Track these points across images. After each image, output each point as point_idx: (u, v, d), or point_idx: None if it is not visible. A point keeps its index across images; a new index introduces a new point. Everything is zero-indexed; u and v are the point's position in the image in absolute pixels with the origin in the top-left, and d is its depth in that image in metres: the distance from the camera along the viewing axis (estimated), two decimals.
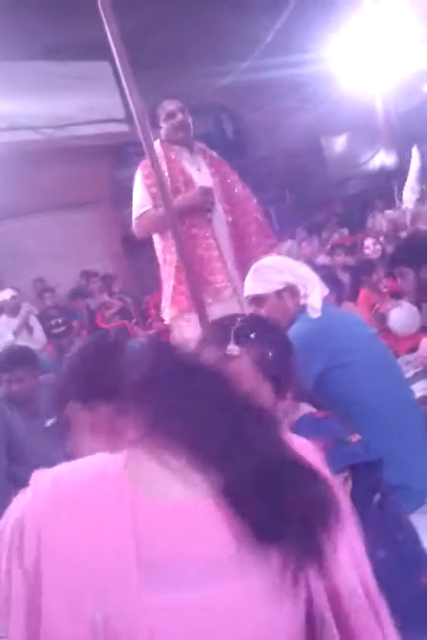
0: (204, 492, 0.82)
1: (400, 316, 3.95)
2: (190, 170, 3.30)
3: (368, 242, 5.89)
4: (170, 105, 3.31)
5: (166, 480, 0.82)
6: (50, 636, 0.75)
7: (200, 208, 3.18)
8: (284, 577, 0.80)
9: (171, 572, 0.77)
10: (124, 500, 0.79)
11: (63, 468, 0.86)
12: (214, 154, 3.54)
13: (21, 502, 0.83)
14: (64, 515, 0.78)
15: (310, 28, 8.04)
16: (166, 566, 0.77)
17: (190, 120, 3.39)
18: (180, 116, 3.28)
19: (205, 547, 0.79)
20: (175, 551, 0.78)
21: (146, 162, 3.14)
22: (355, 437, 1.40)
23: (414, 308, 3.88)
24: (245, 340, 1.45)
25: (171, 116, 3.30)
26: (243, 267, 3.09)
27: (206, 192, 3.17)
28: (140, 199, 3.28)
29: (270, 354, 1.43)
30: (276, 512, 0.80)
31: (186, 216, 3.13)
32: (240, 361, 1.42)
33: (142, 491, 0.81)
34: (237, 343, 1.44)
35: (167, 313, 3.29)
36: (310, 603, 0.84)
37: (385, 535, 1.32)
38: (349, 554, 0.88)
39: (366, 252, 5.90)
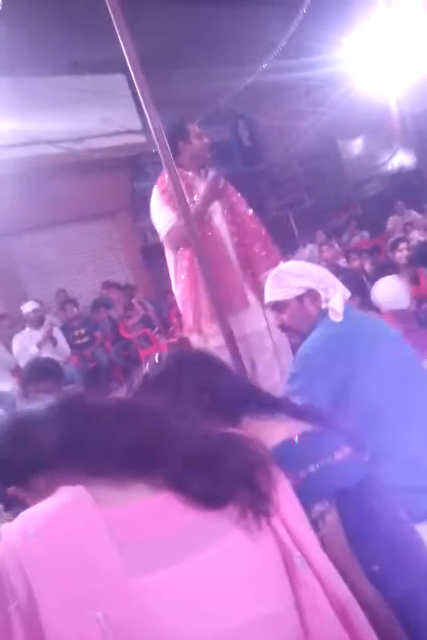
0: (151, 491, 0.92)
1: (386, 288, 3.91)
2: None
3: (402, 245, 5.81)
4: (197, 128, 3.35)
5: (117, 493, 0.91)
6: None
7: (218, 197, 3.21)
8: (248, 527, 0.92)
9: (152, 555, 0.85)
10: (92, 513, 0.85)
11: (25, 512, 0.89)
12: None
13: (3, 542, 0.85)
14: (41, 543, 0.81)
15: (323, 30, 8.04)
16: (147, 551, 0.85)
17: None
18: (206, 140, 3.33)
19: (173, 526, 0.89)
20: (150, 537, 0.87)
21: (161, 178, 3.20)
22: (341, 454, 1.27)
23: (401, 283, 3.84)
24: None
25: (200, 137, 3.33)
26: (250, 283, 3.22)
27: (216, 179, 3.21)
28: (165, 216, 3.27)
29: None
30: (212, 481, 0.93)
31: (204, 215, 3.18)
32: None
33: (103, 505, 0.87)
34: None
35: (192, 329, 3.30)
36: (280, 545, 0.95)
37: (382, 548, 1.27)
38: (290, 505, 1.01)
39: (398, 255, 5.81)
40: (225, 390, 1.37)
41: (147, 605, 0.80)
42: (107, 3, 2.50)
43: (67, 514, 0.85)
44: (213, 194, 3.19)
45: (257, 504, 0.94)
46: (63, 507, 0.86)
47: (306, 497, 1.11)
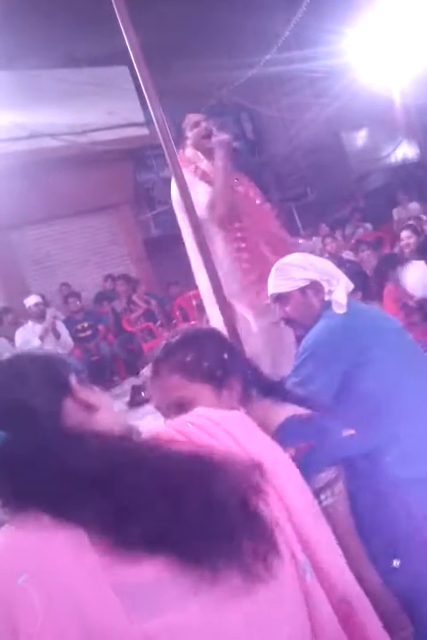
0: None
1: (416, 272, 3.91)
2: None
3: (405, 234, 5.74)
4: (194, 117, 3.36)
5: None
6: None
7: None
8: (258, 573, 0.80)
9: (155, 598, 0.75)
10: (84, 546, 0.76)
11: (7, 543, 0.80)
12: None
13: None
14: (33, 594, 0.73)
15: (326, 21, 8.00)
16: (148, 593, 0.75)
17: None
18: (204, 124, 3.32)
19: (172, 567, 0.78)
20: (149, 578, 0.77)
21: (183, 160, 3.18)
22: (348, 432, 1.34)
23: None
24: (164, 354, 1.41)
25: (196, 125, 3.33)
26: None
27: (222, 143, 3.21)
28: (202, 189, 3.21)
29: (189, 357, 1.36)
30: (206, 544, 0.79)
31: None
32: (160, 376, 1.38)
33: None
34: (157, 360, 1.40)
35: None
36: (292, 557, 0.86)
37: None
38: (296, 497, 0.92)
39: (402, 244, 5.75)
40: (237, 368, 1.40)
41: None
42: None
43: (58, 552, 0.76)
44: (228, 157, 3.20)
45: (264, 555, 0.81)
46: (55, 546, 0.77)
47: (311, 465, 1.11)
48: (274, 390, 1.45)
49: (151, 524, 0.77)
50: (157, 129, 2.72)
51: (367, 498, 1.27)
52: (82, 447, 0.83)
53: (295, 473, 0.96)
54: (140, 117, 8.51)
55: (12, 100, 7.41)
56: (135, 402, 6.10)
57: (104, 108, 8.38)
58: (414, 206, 9.43)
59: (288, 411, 1.35)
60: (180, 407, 1.29)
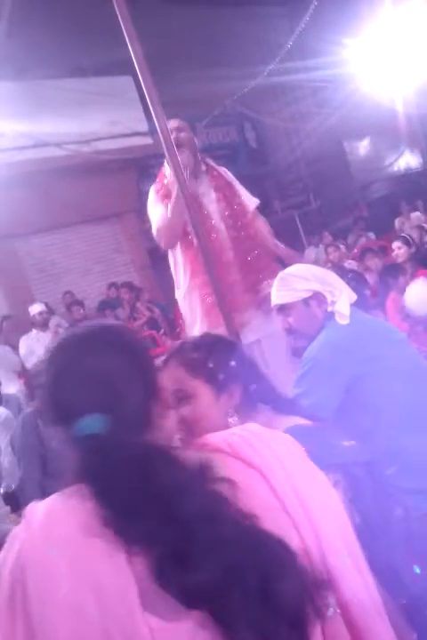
0: None
1: (416, 291, 3.91)
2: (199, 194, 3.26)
3: (395, 244, 5.82)
4: (170, 123, 3.13)
5: None
6: None
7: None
8: None
9: (165, 599, 0.75)
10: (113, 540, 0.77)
11: (53, 506, 0.83)
12: (224, 173, 3.49)
13: (17, 546, 0.80)
14: (62, 564, 0.76)
15: (329, 31, 8.04)
16: (160, 594, 0.75)
17: (190, 138, 3.27)
18: (174, 134, 3.08)
19: None
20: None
21: (158, 178, 3.26)
22: (348, 443, 1.38)
23: None
24: (178, 348, 1.50)
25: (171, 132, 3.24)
26: (251, 291, 3.19)
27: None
28: (157, 212, 3.27)
29: (197, 355, 1.44)
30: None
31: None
32: (169, 366, 1.45)
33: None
34: (171, 352, 1.49)
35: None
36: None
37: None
38: (331, 519, 0.89)
39: (393, 255, 5.83)
40: (242, 378, 1.46)
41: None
42: (115, 4, 2.50)
43: (93, 530, 0.77)
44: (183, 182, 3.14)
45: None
46: (86, 526, 0.78)
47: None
48: (281, 403, 1.50)
49: (204, 578, 0.75)
50: (162, 138, 2.74)
51: (368, 506, 1.28)
52: (164, 466, 0.82)
53: (334, 503, 0.94)
54: (144, 127, 8.55)
55: (18, 109, 7.45)
56: None
57: (108, 117, 8.42)
58: (416, 215, 9.44)
59: (292, 421, 1.40)
60: (179, 400, 1.38)
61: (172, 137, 3.14)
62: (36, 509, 0.82)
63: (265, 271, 3.25)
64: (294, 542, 0.82)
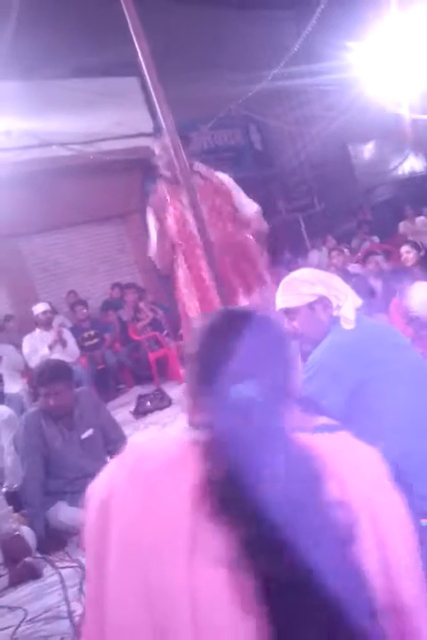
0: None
1: (420, 292, 3.91)
2: (185, 211, 3.32)
3: (404, 249, 5.79)
4: (163, 142, 3.29)
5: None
6: (114, 592, 0.86)
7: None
8: None
9: (219, 550, 0.84)
10: (187, 484, 0.89)
11: (149, 445, 0.99)
12: (218, 182, 3.50)
13: (108, 480, 0.95)
14: (138, 495, 0.89)
15: (335, 35, 8.04)
16: (216, 544, 0.85)
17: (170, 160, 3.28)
18: (166, 157, 3.27)
19: None
20: (223, 532, 0.85)
21: (152, 197, 3.39)
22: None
23: None
24: None
25: (166, 148, 3.25)
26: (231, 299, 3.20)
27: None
28: (152, 238, 3.46)
29: None
30: None
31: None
32: None
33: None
34: None
35: None
36: None
37: None
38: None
39: (402, 259, 5.81)
40: None
41: (194, 591, 0.82)
42: (123, 5, 2.52)
43: (172, 476, 0.91)
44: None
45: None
46: (174, 465, 0.92)
47: None
48: (307, 402, 1.59)
49: (280, 571, 0.82)
50: (168, 139, 2.75)
51: None
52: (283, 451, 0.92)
53: (403, 521, 0.96)
54: (149, 128, 8.56)
55: (24, 108, 7.47)
56: (140, 411, 6.11)
57: (113, 117, 8.43)
58: (421, 220, 9.44)
59: (319, 420, 1.58)
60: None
61: (165, 160, 3.23)
62: (130, 452, 0.97)
63: (246, 279, 3.29)
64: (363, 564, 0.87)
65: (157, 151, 3.35)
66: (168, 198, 3.37)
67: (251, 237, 3.42)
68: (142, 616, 0.82)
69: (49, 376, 3.46)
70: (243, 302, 3.23)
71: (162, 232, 3.28)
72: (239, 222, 3.43)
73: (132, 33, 2.59)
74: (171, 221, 3.35)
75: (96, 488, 0.96)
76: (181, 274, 3.41)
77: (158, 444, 1.00)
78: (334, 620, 0.79)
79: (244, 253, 3.36)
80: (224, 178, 3.51)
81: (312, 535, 0.83)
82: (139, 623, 0.82)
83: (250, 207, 3.46)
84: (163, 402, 6.18)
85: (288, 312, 2.24)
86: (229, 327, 1.02)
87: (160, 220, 3.34)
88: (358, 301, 2.24)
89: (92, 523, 0.93)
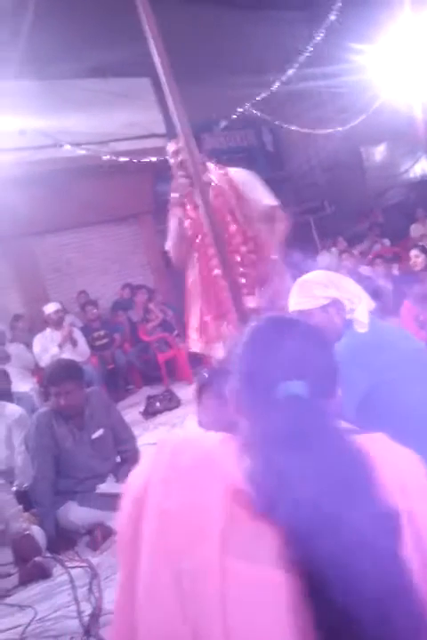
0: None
1: None
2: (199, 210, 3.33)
3: (413, 253, 5.77)
4: (173, 144, 3.32)
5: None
6: (146, 580, 0.85)
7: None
8: None
9: (254, 547, 0.83)
10: (224, 480, 0.88)
11: (187, 438, 1.00)
12: (229, 180, 3.49)
13: (147, 466, 0.96)
14: (173, 491, 0.89)
15: (348, 38, 8.01)
16: (251, 541, 0.84)
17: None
18: (179, 157, 3.30)
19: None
20: (260, 530, 0.84)
21: (172, 195, 3.44)
22: None
23: None
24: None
25: (175, 154, 3.35)
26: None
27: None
28: (170, 230, 3.53)
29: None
30: None
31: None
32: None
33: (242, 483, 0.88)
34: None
35: (196, 345, 3.40)
36: None
37: None
38: None
39: (411, 263, 5.79)
40: None
41: (225, 585, 0.81)
42: (139, 6, 2.52)
43: (208, 468, 0.91)
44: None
45: None
46: (209, 457, 0.92)
47: None
48: None
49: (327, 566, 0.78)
50: (183, 140, 2.75)
51: None
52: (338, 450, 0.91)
53: None
54: (162, 129, 8.57)
55: (38, 108, 7.50)
56: (150, 412, 6.11)
57: (126, 118, 8.45)
58: None
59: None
60: None
61: (177, 161, 3.24)
62: (166, 445, 0.97)
63: (257, 280, 3.29)
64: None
65: (170, 151, 3.34)
66: (185, 198, 3.38)
67: (262, 236, 3.41)
68: (176, 621, 0.81)
69: (60, 376, 3.46)
70: (248, 302, 3.23)
71: (180, 229, 3.28)
72: (249, 221, 3.42)
73: (147, 34, 2.59)
74: (187, 221, 3.36)
75: (132, 482, 0.97)
76: (194, 273, 3.42)
77: (195, 440, 1.00)
78: (383, 624, 0.77)
79: (250, 253, 3.36)
80: (237, 173, 3.50)
81: (362, 535, 0.81)
82: (172, 626, 0.81)
83: (263, 200, 3.45)
84: (172, 402, 6.18)
85: (301, 314, 2.23)
86: (275, 330, 1.05)
87: (179, 218, 3.34)
88: (372, 305, 2.23)
89: (126, 518, 0.93)
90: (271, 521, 0.83)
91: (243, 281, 3.28)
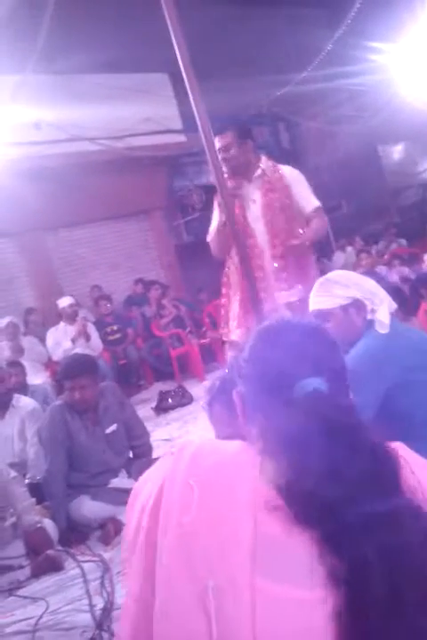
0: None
1: None
2: (245, 204, 3.38)
3: None
4: (218, 141, 3.27)
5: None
6: (165, 594, 0.81)
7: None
8: None
9: (285, 565, 0.78)
10: (249, 490, 0.85)
11: (205, 445, 0.96)
12: (281, 176, 3.47)
13: (162, 473, 0.92)
14: (196, 492, 0.86)
15: (367, 37, 7.96)
16: (281, 558, 0.79)
17: (242, 151, 3.35)
18: (221, 155, 3.24)
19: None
20: (290, 546, 0.79)
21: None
22: None
23: None
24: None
25: (219, 151, 3.31)
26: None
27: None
28: (212, 225, 3.44)
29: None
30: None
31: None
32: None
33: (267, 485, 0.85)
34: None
35: (235, 333, 3.40)
36: None
37: None
38: None
39: (425, 265, 5.74)
40: None
41: (255, 606, 0.76)
42: (163, 4, 2.50)
43: (230, 475, 0.88)
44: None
45: None
46: (233, 464, 0.89)
47: None
48: None
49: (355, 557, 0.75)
50: (203, 137, 2.73)
51: None
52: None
53: None
54: (178, 124, 8.55)
55: (53, 102, 7.50)
56: (161, 408, 6.11)
57: (142, 113, 8.43)
58: None
59: None
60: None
61: (220, 156, 3.22)
62: (186, 449, 0.94)
63: (297, 278, 3.27)
64: None
65: (218, 146, 3.32)
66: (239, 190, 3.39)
67: (303, 237, 3.39)
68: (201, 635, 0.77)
69: (75, 370, 3.46)
70: (288, 297, 3.24)
71: (222, 225, 3.26)
72: (295, 219, 3.41)
73: (170, 30, 2.57)
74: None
75: (141, 489, 0.93)
76: (231, 270, 3.43)
77: (215, 448, 0.96)
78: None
79: (293, 252, 3.37)
80: (286, 171, 3.49)
81: (406, 536, 0.76)
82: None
83: (308, 203, 3.44)
84: (184, 399, 6.18)
85: (321, 314, 2.21)
86: (285, 330, 1.03)
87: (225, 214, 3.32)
88: (393, 306, 2.21)
89: (135, 527, 0.89)
90: (304, 531, 0.78)
91: (284, 275, 3.29)
